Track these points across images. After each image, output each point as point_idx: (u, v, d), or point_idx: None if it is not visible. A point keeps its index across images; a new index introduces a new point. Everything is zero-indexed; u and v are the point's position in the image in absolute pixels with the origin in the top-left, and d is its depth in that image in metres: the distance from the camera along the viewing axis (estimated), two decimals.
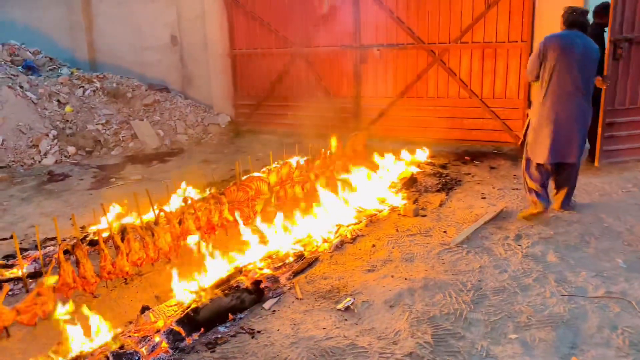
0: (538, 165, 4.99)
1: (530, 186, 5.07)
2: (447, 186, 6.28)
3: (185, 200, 5.00)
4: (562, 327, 3.25)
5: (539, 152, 4.92)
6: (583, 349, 3.03)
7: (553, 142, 4.82)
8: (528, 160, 5.08)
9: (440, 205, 5.61)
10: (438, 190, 6.14)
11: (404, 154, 7.37)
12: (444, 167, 7.23)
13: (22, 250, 4.77)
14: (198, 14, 10.33)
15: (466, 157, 7.65)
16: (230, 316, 3.52)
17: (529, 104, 7.59)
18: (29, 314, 3.47)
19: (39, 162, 8.38)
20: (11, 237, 5.08)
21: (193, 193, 5.64)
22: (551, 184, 5.20)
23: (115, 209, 5.22)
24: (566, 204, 5.17)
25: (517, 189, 5.99)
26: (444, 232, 4.87)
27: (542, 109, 4.87)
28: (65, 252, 3.95)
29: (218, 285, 3.81)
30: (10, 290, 3.98)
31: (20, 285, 4.10)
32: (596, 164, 6.48)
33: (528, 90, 7.65)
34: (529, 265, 4.08)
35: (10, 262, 4.55)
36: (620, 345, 3.04)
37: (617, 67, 6.36)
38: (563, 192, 5.14)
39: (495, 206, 5.44)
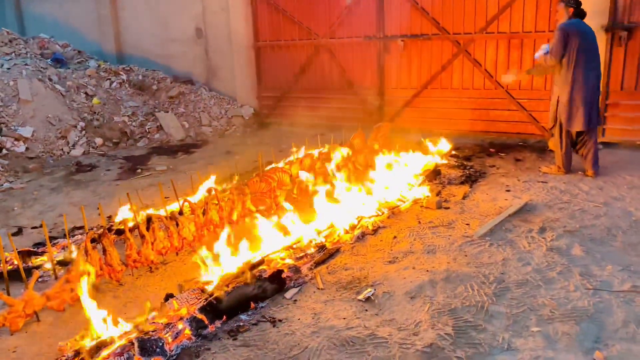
0: (568, 133, 5.87)
1: (565, 152, 5.96)
2: (471, 178, 6.22)
3: (209, 190, 5.06)
4: (586, 321, 3.20)
5: (577, 122, 5.75)
6: (607, 344, 2.98)
7: (586, 111, 5.69)
8: (561, 130, 5.89)
9: (464, 198, 5.56)
10: (462, 183, 6.08)
11: (428, 145, 7.32)
12: (468, 159, 7.15)
13: (52, 238, 4.91)
14: (223, 7, 10.39)
15: (491, 149, 7.56)
16: (252, 305, 3.57)
17: None
18: (58, 300, 3.57)
19: (68, 153, 8.57)
20: (41, 226, 5.25)
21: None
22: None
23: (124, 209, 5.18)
24: (596, 167, 5.94)
25: (543, 181, 5.91)
26: (467, 224, 4.83)
27: (573, 85, 5.67)
28: (93, 240, 4.04)
29: (239, 274, 3.85)
30: (40, 276, 4.11)
31: (50, 272, 4.21)
32: None
33: None
34: (553, 259, 4.02)
35: (40, 250, 4.67)
36: None
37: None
38: (591, 155, 5.90)
39: (520, 199, 5.37)
